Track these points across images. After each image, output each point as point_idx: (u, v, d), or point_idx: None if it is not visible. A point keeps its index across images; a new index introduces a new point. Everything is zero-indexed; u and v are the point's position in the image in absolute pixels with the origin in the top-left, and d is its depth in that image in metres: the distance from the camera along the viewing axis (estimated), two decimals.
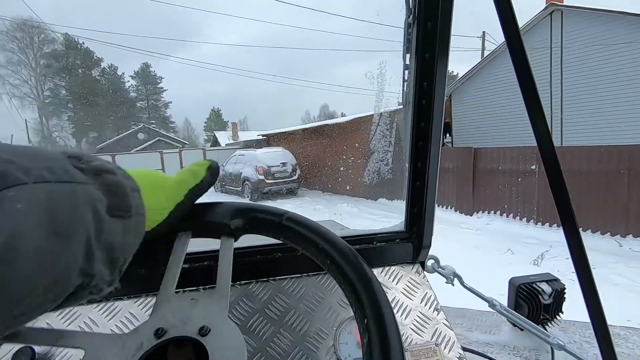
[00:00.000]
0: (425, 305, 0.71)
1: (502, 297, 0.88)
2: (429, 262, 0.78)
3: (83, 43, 39.07)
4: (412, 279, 0.74)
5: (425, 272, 0.77)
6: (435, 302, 0.71)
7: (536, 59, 10.28)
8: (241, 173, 11.53)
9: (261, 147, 13.92)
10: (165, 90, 45.65)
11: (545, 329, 0.90)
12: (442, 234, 6.25)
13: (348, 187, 11.31)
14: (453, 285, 0.77)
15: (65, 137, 39.23)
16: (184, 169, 0.47)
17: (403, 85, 0.80)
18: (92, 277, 0.29)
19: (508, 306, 0.83)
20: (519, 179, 7.56)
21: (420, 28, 0.69)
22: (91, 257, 0.28)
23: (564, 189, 0.63)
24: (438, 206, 7.82)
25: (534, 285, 0.91)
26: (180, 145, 26.03)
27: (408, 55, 0.76)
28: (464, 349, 0.68)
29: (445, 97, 0.72)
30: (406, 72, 0.77)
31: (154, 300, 0.58)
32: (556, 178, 0.63)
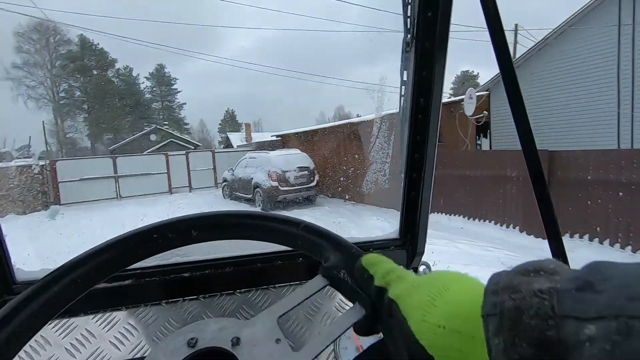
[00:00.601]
0: None
1: None
2: (421, 268, 0.88)
3: (98, 44, 40.85)
4: None
5: None
6: None
7: (599, 44, 8.98)
8: (252, 178, 10.65)
9: (275, 149, 12.96)
10: (179, 92, 47.01)
11: None
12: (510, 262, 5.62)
13: (374, 196, 9.46)
14: None
15: (80, 139, 41.10)
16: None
17: (400, 100, 0.90)
18: None
19: None
20: (619, 193, 5.70)
21: (419, 48, 0.78)
22: None
23: (547, 195, 0.68)
24: (495, 224, 7.28)
25: None
26: (192, 147, 26.19)
27: (405, 72, 0.85)
28: None
29: (440, 112, 0.82)
30: (403, 87, 0.87)
31: (151, 311, 0.68)
32: (539, 183, 0.68)
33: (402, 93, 0.87)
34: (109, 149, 32.26)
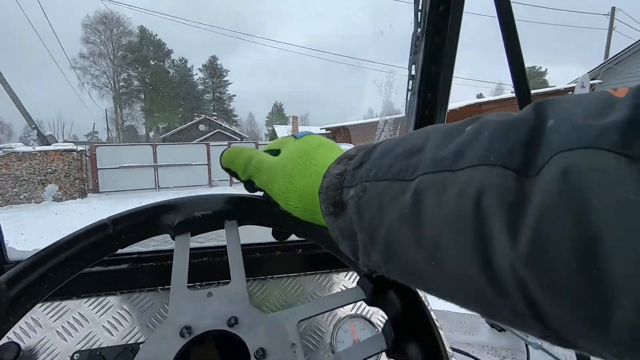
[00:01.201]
0: None
1: None
2: None
3: (156, 35, 44.05)
4: None
5: None
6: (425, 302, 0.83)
7: None
8: None
9: None
10: (230, 83, 49.27)
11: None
12: None
13: None
14: None
15: (137, 127, 44.33)
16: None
17: (407, 95, 0.93)
18: None
19: None
20: None
21: (429, 42, 0.81)
22: None
23: None
24: None
25: None
26: (239, 139, 27.01)
27: (414, 66, 0.88)
28: (452, 349, 0.79)
29: (447, 107, 0.86)
30: (411, 82, 0.90)
31: (147, 296, 0.71)
32: None
33: (410, 87, 0.91)
34: (160, 137, 34.44)
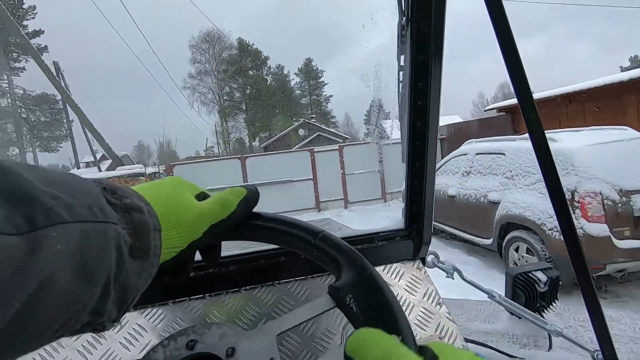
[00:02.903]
0: (427, 300, 0.83)
1: None
2: (429, 258, 0.93)
3: (252, 44, 47.28)
4: (413, 275, 0.88)
5: (425, 267, 0.91)
6: (437, 297, 0.84)
7: None
8: (496, 201, 5.36)
9: (514, 135, 7.36)
10: (326, 84, 50.50)
11: (542, 316, 1.02)
12: None
13: None
14: (453, 279, 0.93)
15: (243, 138, 48.24)
16: (216, 196, 0.48)
17: (398, 86, 0.94)
18: (101, 316, 0.31)
19: (505, 296, 0.97)
20: None
21: (414, 30, 0.82)
22: (106, 298, 0.30)
23: (559, 184, 0.72)
24: None
25: (530, 274, 1.05)
26: (341, 140, 26.58)
27: (402, 57, 0.88)
28: (466, 340, 0.81)
29: (440, 96, 0.86)
30: (400, 73, 0.91)
31: (159, 310, 0.75)
32: (550, 171, 0.73)
33: (400, 79, 0.92)
34: (261, 146, 36.68)
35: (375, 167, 12.18)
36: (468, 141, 6.83)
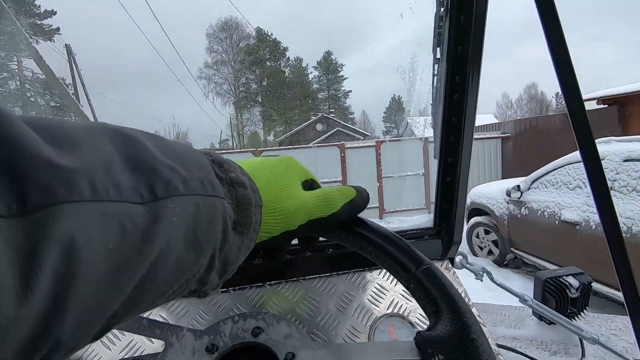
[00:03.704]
0: None
1: None
2: (457, 258, 0.91)
3: (271, 34, 47.38)
4: None
5: (454, 268, 0.90)
6: (467, 299, 0.80)
7: None
8: None
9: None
10: (345, 79, 50.35)
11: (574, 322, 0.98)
12: None
13: None
14: (482, 281, 0.91)
15: (255, 132, 48.52)
16: (322, 191, 0.47)
17: (433, 80, 0.93)
18: (205, 284, 0.34)
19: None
20: None
21: (453, 21, 0.81)
22: (211, 268, 0.33)
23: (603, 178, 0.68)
24: None
25: (561, 279, 1.03)
26: (361, 137, 25.64)
27: (439, 49, 0.87)
28: (498, 345, 0.80)
29: (478, 90, 0.85)
30: (436, 66, 0.90)
31: (221, 297, 0.77)
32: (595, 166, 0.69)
33: (436, 72, 0.90)
34: (276, 140, 36.71)
35: (419, 170, 10.03)
36: (604, 139, 4.42)
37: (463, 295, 0.80)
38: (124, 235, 0.23)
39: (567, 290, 1.03)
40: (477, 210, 6.07)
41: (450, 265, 0.91)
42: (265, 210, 0.40)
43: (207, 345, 0.44)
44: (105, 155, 0.25)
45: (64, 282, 0.20)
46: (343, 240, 0.48)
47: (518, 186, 5.03)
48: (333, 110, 43.33)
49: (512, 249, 5.33)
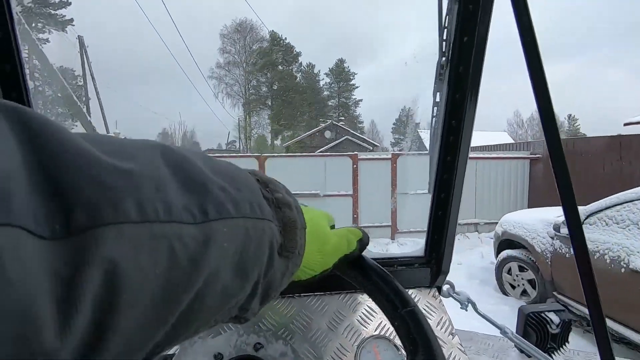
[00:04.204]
0: (441, 329, 0.85)
1: None
2: (445, 287, 0.97)
3: (285, 38, 47.65)
4: (429, 302, 0.92)
5: (441, 296, 0.95)
6: (450, 326, 0.86)
7: None
8: None
9: None
10: (357, 87, 50.39)
11: (552, 358, 1.05)
12: None
13: None
14: (467, 310, 0.96)
15: (262, 135, 48.54)
16: (340, 231, 0.50)
17: (432, 121, 1.00)
18: (246, 311, 0.32)
19: (516, 333, 0.98)
20: None
21: (453, 71, 0.88)
22: (254, 295, 0.31)
23: (568, 178, 0.72)
24: None
25: (542, 314, 1.08)
26: (370, 147, 25.39)
27: (438, 94, 0.95)
28: None
29: (471, 134, 0.92)
30: (435, 108, 0.98)
31: None
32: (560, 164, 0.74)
33: (434, 114, 0.98)
34: (283, 145, 36.62)
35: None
36: None
37: (447, 323, 0.87)
38: (172, 259, 0.22)
39: (548, 326, 1.08)
40: (510, 242, 5.13)
41: (437, 293, 0.96)
42: (312, 251, 0.41)
43: (215, 353, 0.49)
44: (156, 172, 0.24)
45: (105, 312, 0.19)
46: (345, 274, 0.54)
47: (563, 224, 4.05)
48: (343, 118, 43.36)
49: (554, 292, 4.40)
